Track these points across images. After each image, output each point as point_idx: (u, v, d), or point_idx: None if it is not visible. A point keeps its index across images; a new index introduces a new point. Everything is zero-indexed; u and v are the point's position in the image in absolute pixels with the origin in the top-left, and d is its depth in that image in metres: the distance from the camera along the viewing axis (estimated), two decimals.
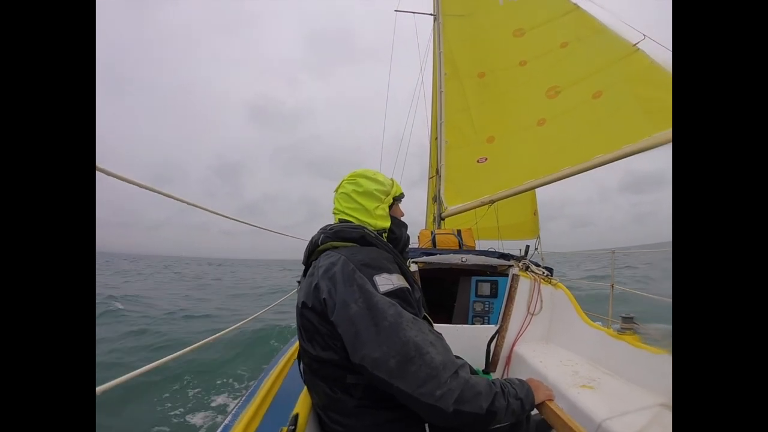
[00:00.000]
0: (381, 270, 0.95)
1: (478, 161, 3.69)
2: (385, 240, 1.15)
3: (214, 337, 1.60)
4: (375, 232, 1.11)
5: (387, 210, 1.19)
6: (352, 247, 1.04)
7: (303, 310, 0.98)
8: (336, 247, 1.04)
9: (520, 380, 0.98)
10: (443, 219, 3.90)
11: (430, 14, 5.57)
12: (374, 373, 0.83)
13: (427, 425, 0.96)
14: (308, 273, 1.06)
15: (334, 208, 1.21)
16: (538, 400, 0.98)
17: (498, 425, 0.88)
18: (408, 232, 1.26)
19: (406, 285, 0.97)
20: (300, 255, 1.19)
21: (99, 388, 0.82)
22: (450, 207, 3.66)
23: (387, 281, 0.93)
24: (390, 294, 0.90)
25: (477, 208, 3.43)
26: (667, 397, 1.19)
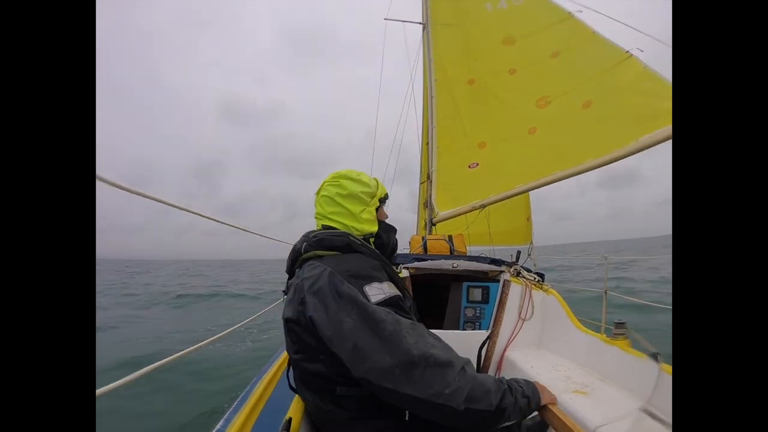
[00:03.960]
0: (370, 279, 0.91)
1: (469, 167, 3.69)
2: (372, 245, 1.08)
3: (213, 338, 1.56)
4: (360, 239, 1.04)
5: (374, 213, 1.13)
6: (336, 256, 0.98)
7: (289, 323, 0.94)
8: (320, 257, 0.99)
9: (525, 379, 0.96)
10: (434, 224, 3.89)
11: (419, 23, 5.61)
12: (380, 384, 0.78)
13: None
14: (293, 283, 1.00)
15: (316, 213, 1.13)
16: (543, 401, 0.96)
17: (507, 423, 0.87)
18: (396, 237, 1.19)
19: (398, 293, 0.93)
20: (277, 255, 1.14)
21: (99, 390, 0.82)
22: (441, 212, 3.65)
23: (378, 291, 0.89)
24: (383, 303, 0.87)
25: (468, 214, 3.43)
26: (656, 404, 1.18)
